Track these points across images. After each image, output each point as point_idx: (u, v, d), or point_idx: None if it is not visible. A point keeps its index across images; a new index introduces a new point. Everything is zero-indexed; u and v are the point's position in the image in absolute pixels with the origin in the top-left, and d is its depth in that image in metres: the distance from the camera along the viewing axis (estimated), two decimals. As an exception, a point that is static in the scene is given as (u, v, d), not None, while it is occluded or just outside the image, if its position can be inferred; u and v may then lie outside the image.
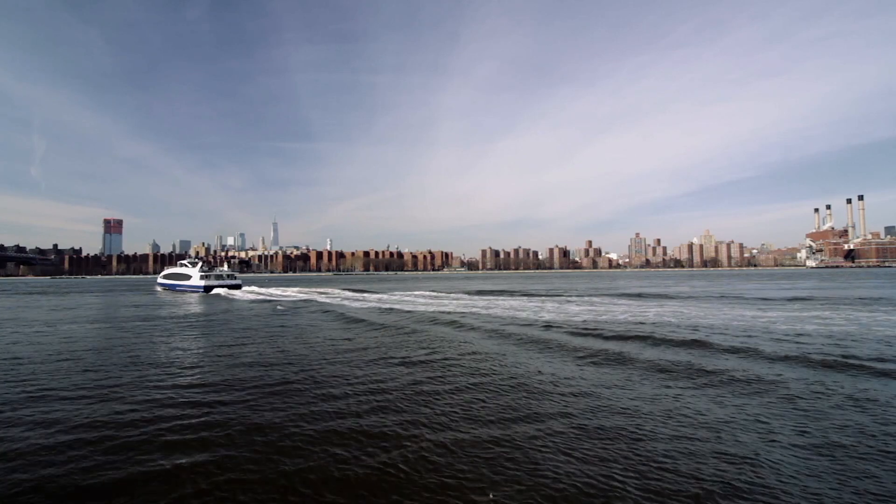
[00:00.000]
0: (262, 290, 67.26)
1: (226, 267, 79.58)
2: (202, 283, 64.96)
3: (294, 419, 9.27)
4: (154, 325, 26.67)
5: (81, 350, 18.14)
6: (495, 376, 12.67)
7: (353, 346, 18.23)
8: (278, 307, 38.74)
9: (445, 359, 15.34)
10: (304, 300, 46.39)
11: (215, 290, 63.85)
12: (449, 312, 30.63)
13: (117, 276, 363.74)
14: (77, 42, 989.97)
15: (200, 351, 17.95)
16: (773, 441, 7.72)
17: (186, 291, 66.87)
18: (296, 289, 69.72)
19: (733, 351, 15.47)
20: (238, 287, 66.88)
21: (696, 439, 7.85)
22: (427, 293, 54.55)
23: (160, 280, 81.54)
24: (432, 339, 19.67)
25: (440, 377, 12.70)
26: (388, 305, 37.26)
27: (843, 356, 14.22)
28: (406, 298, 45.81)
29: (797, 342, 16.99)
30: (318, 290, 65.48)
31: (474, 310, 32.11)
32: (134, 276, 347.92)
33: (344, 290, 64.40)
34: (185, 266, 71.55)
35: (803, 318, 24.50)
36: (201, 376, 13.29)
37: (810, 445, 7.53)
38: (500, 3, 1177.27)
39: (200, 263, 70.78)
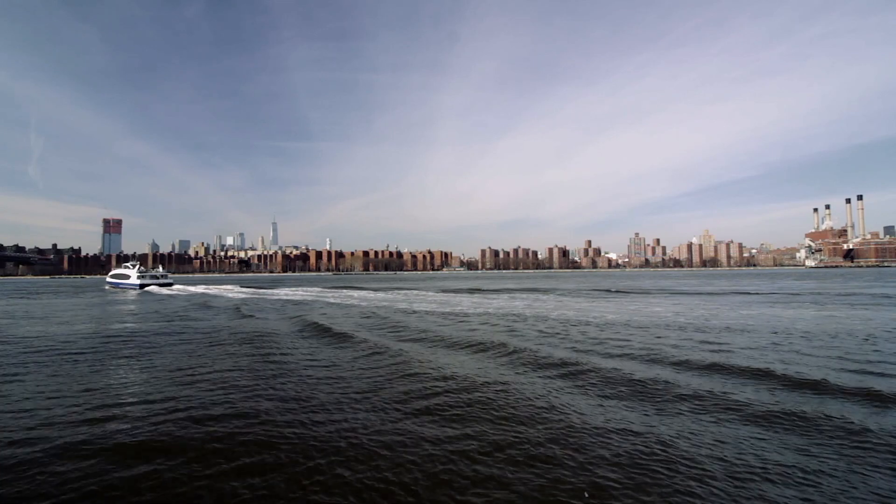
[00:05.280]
0: (190, 287, 79.75)
1: (160, 269, 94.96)
2: (138, 281, 77.17)
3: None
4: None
5: None
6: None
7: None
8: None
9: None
10: (205, 292, 59.91)
11: (149, 287, 75.52)
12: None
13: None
14: (74, 40, 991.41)
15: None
16: None
17: (126, 289, 78.05)
18: (229, 286, 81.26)
19: None
20: (170, 285, 79.84)
21: None
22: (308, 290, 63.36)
23: (108, 279, 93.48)
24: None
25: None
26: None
27: None
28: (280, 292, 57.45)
29: None
30: (250, 287, 75.92)
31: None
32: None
33: (260, 286, 74.99)
34: (127, 267, 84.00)
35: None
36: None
37: None
38: (499, 1, 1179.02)
39: (139, 265, 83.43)
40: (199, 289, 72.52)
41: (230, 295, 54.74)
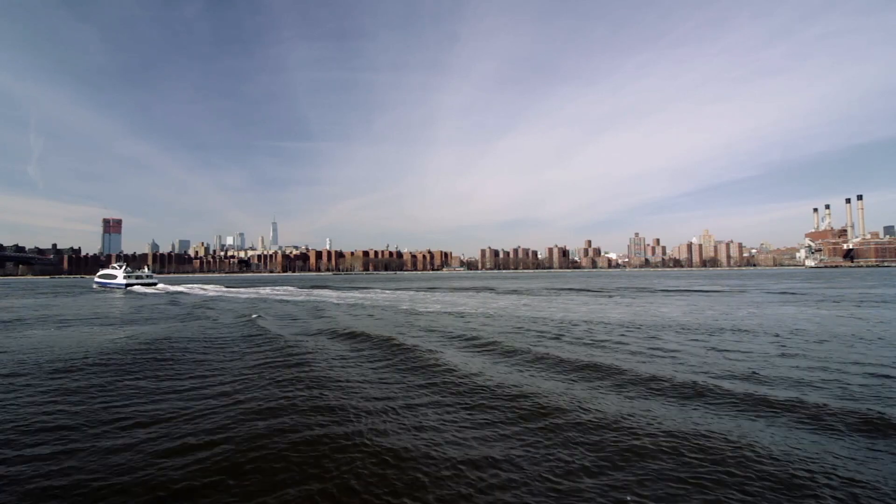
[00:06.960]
0: (171, 286, 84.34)
1: (146, 269, 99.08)
2: (124, 281, 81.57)
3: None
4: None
5: None
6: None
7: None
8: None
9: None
10: (178, 291, 66.34)
11: (134, 287, 80.00)
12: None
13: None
14: (74, 40, 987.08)
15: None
16: None
17: (113, 288, 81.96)
18: (210, 285, 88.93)
19: None
20: (153, 285, 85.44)
21: None
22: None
23: (96, 279, 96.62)
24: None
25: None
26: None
27: None
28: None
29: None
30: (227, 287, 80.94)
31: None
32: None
33: (252, 287, 79.52)
34: (115, 268, 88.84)
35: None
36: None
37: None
38: (499, 1, 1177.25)
39: (125, 266, 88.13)
40: (180, 287, 77.96)
41: (201, 293, 59.44)
